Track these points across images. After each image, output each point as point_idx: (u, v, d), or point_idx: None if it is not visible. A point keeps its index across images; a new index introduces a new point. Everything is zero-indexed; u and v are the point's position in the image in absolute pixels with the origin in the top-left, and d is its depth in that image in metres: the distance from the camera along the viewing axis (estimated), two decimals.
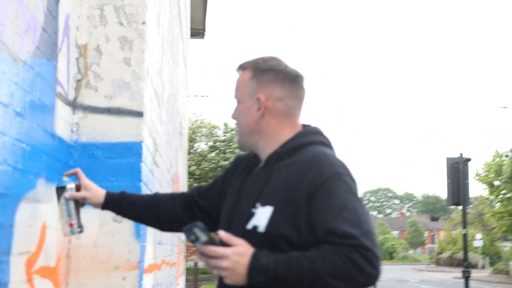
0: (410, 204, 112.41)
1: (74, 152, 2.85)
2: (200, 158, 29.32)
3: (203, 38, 12.41)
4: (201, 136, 30.72)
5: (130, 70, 2.94)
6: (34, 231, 2.30)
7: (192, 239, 1.75)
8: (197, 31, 11.48)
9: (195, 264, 24.48)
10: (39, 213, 2.35)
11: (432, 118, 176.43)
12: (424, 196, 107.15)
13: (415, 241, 76.03)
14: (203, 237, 1.74)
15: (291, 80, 1.98)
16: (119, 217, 2.81)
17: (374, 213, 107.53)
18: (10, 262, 2.03)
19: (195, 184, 28.78)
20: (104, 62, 2.94)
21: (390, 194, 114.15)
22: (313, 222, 1.77)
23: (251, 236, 1.81)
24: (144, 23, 2.99)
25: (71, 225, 2.24)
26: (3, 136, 1.96)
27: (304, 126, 2.05)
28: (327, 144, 2.01)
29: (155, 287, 3.83)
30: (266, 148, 1.97)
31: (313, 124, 2.09)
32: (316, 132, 2.02)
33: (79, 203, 2.27)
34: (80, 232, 2.28)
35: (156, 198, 2.31)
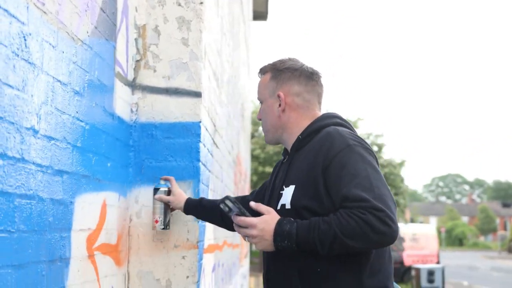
0: (480, 190, 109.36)
1: (133, 132, 2.89)
2: (265, 142, 29.38)
3: (265, 20, 12.34)
4: None
5: (188, 50, 2.95)
6: (95, 208, 2.34)
7: (226, 211, 1.96)
8: (260, 14, 11.42)
9: None
10: (99, 191, 2.39)
11: (503, 100, 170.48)
12: (496, 181, 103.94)
13: (486, 227, 73.94)
14: (234, 208, 1.94)
15: (307, 77, 2.17)
16: None
17: (443, 198, 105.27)
18: (71, 238, 2.08)
19: (260, 167, 28.98)
20: (162, 43, 2.95)
21: (459, 180, 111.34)
22: (330, 192, 1.93)
23: (281, 214, 1.98)
24: (201, 3, 2.98)
25: (156, 221, 2.66)
26: (62, 114, 1.99)
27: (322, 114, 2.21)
28: (343, 124, 2.14)
29: (216, 267, 3.86)
30: (290, 139, 2.17)
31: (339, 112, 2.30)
32: (332, 116, 2.18)
33: (169, 206, 2.68)
34: (163, 229, 2.69)
35: None
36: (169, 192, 2.69)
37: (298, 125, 2.15)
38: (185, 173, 2.87)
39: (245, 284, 8.51)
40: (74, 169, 2.11)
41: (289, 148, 2.18)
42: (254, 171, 28.04)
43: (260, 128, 30.36)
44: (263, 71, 2.24)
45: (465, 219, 77.88)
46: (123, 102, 2.77)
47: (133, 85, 2.92)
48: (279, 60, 2.22)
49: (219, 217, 2.56)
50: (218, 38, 3.82)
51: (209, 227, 3.40)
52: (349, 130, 2.09)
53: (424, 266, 14.48)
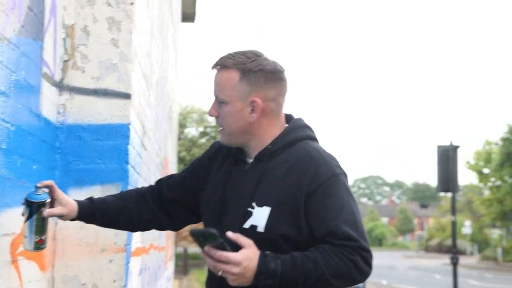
0: (400, 191, 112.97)
1: (60, 133, 2.82)
2: (191, 144, 29.24)
3: (193, 22, 12.29)
4: (192, 122, 30.63)
5: (117, 51, 2.91)
6: (19, 212, 2.27)
7: (200, 241, 1.75)
8: (188, 15, 11.37)
9: (185, 250, 24.51)
10: (24, 195, 2.32)
11: (423, 106, 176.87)
12: (414, 183, 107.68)
13: (405, 228, 76.46)
14: (212, 241, 1.74)
15: (280, 79, 1.97)
16: None
17: (364, 200, 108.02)
18: None
19: None
20: (92, 43, 2.90)
21: (380, 182, 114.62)
22: (311, 221, 1.84)
23: (249, 235, 1.83)
24: (132, 3, 2.95)
25: (40, 241, 1.98)
26: None
27: (287, 117, 2.05)
28: (315, 138, 2.04)
29: (143, 270, 3.83)
30: (257, 146, 1.97)
31: (296, 114, 2.09)
32: (303, 126, 2.03)
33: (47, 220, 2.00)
34: (43, 248, 2.03)
35: (127, 201, 2.16)
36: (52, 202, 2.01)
37: (268, 132, 1.96)
38: (114, 175, 2.84)
39: (170, 287, 8.45)
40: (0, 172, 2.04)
41: (252, 153, 1.98)
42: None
43: (186, 130, 30.19)
44: (224, 66, 1.94)
45: (385, 219, 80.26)
46: (50, 103, 2.70)
47: (61, 86, 2.86)
48: (245, 56, 1.94)
49: (124, 222, 2.18)
50: (148, 40, 3.79)
51: None
52: (322, 148, 1.99)
53: None
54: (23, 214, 1.96)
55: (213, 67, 1.98)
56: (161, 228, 2.24)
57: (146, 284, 4.21)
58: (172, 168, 8.11)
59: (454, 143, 14.15)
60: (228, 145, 2.01)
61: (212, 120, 30.06)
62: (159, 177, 5.27)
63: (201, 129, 30.41)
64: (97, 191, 2.80)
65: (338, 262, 1.78)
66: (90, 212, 2.11)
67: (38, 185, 1.98)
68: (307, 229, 1.84)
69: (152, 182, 4.45)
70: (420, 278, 23.31)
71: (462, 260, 36.36)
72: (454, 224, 14.15)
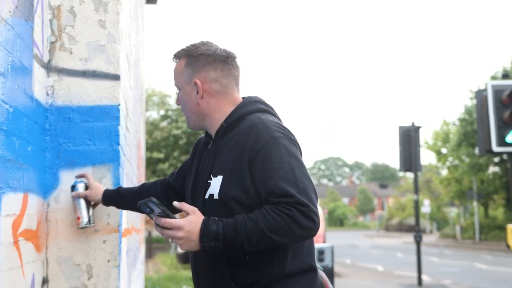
0: (359, 172, 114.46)
1: (50, 115, 2.82)
2: (152, 127, 29.03)
3: (155, 3, 12.19)
4: (153, 105, 30.36)
5: (105, 32, 2.91)
6: (18, 193, 2.28)
7: (148, 212, 1.91)
8: None
9: (149, 233, 24.46)
10: (22, 176, 2.33)
11: (381, 87, 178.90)
12: (373, 164, 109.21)
13: (365, 208, 77.65)
14: (157, 209, 1.90)
15: (222, 61, 2.16)
16: (97, 181, 2.81)
17: (324, 181, 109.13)
18: (0, 224, 2.02)
19: (148, 153, 28.42)
20: (79, 24, 2.89)
21: (340, 163, 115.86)
22: (256, 185, 1.96)
23: (209, 204, 2.02)
24: None
25: (78, 218, 2.65)
26: None
27: (244, 98, 2.21)
28: (267, 110, 2.17)
29: (128, 252, 3.85)
30: (213, 125, 2.16)
31: (254, 94, 2.26)
32: (254, 101, 2.19)
33: (89, 201, 2.68)
34: (87, 225, 2.67)
35: (143, 187, 2.60)
36: (87, 187, 2.69)
37: (219, 111, 2.15)
38: (105, 156, 2.85)
39: (142, 269, 8.46)
40: (1, 153, 2.05)
41: (212, 133, 2.17)
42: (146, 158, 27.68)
43: (147, 113, 29.82)
44: (177, 56, 2.20)
45: (345, 200, 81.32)
46: (40, 84, 2.69)
47: (48, 67, 2.85)
48: (192, 45, 2.18)
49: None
50: (128, 21, 3.78)
51: (124, 211, 3.38)
52: (273, 118, 2.12)
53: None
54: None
55: (172, 59, 2.23)
56: None
57: (130, 266, 4.23)
58: (143, 151, 8.09)
59: (416, 124, 14.46)
60: (192, 129, 2.23)
61: (173, 103, 29.91)
62: (135, 159, 5.28)
63: (162, 112, 30.19)
64: (88, 172, 2.81)
65: (276, 218, 1.86)
66: (113, 197, 2.64)
67: (76, 175, 2.75)
68: (254, 192, 1.96)
69: (134, 164, 4.46)
70: (383, 257, 23.79)
71: (423, 238, 37.13)
72: (416, 203, 14.48)
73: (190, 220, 1.91)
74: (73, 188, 2.68)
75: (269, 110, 2.18)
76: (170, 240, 1.96)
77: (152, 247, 25.22)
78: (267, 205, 1.90)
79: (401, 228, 52.74)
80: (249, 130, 2.02)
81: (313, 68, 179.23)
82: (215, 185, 2.03)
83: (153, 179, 27.81)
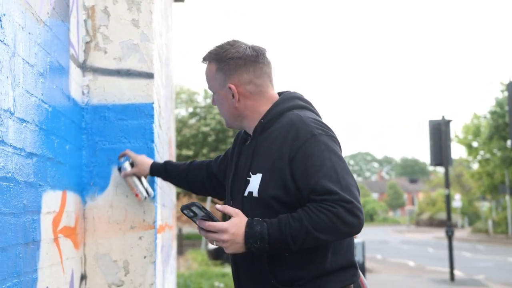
0: (389, 167, 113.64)
1: (86, 114, 2.87)
2: (181, 125, 29.21)
3: (183, 1, 12.26)
4: (181, 103, 30.53)
5: (138, 31, 2.94)
6: (58, 191, 2.33)
7: (191, 216, 1.90)
8: None
9: (179, 230, 24.63)
10: (61, 174, 2.38)
11: (410, 82, 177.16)
12: (403, 159, 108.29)
13: (395, 203, 77.09)
14: (200, 213, 1.90)
15: (253, 62, 2.12)
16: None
17: (354, 176, 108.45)
18: (41, 221, 2.07)
19: (177, 150, 28.73)
20: (112, 24, 2.93)
21: (369, 158, 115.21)
22: (298, 182, 1.94)
23: (248, 201, 2.02)
24: None
25: (136, 195, 2.77)
26: (31, 96, 1.97)
27: (280, 94, 2.19)
28: (305, 107, 2.14)
29: (162, 248, 3.89)
30: (251, 124, 2.14)
31: (292, 89, 2.24)
32: (293, 97, 2.16)
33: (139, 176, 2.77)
34: (146, 197, 2.81)
35: (190, 168, 2.61)
36: (132, 164, 2.76)
37: (256, 110, 2.13)
38: (140, 154, 2.88)
39: (175, 265, 8.54)
40: (41, 152, 2.09)
41: (250, 132, 2.16)
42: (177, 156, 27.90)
43: (176, 111, 30.06)
44: (206, 59, 2.17)
45: (375, 195, 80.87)
46: (76, 84, 2.74)
47: (84, 67, 2.89)
48: (220, 48, 2.14)
49: (185, 183, 2.62)
50: (160, 20, 3.82)
51: (159, 207, 3.42)
52: (312, 115, 2.09)
53: None
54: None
55: (202, 62, 2.21)
56: (210, 195, 2.58)
57: (164, 262, 4.28)
58: (174, 148, 8.16)
59: (446, 117, 14.29)
60: (232, 128, 2.24)
61: (201, 101, 30.04)
62: (167, 157, 5.33)
63: (190, 109, 30.35)
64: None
65: (321, 216, 1.85)
66: (160, 171, 2.69)
67: (119, 156, 2.82)
68: (294, 190, 1.94)
69: None
70: (414, 252, 23.60)
71: (454, 233, 36.74)
72: (448, 197, 14.34)
73: (234, 222, 1.91)
74: (120, 169, 2.77)
75: (307, 106, 2.15)
76: (214, 243, 1.96)
77: (183, 243, 25.41)
78: (310, 203, 1.89)
79: (432, 223, 52.22)
80: (288, 128, 2.00)
81: (344, 61, 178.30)
82: (254, 182, 2.02)
83: None
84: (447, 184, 14.36)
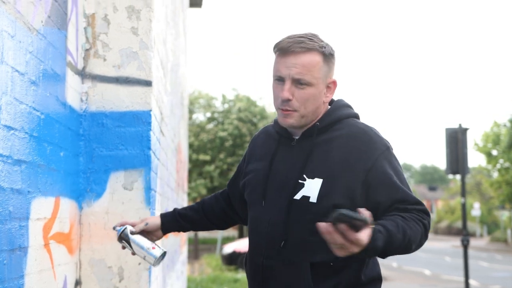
0: (408, 174, 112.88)
1: (83, 121, 2.89)
2: (199, 129, 29.30)
3: (200, 7, 12.32)
4: (199, 107, 30.65)
5: (137, 39, 2.97)
6: (50, 197, 2.35)
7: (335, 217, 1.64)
8: (195, 1, 11.39)
9: (195, 234, 24.69)
10: (54, 180, 2.40)
11: (430, 88, 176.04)
12: (422, 166, 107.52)
13: None
14: (353, 215, 1.65)
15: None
16: (129, 185, 2.88)
17: None
18: (29, 227, 2.09)
19: (194, 155, 28.68)
20: (112, 32, 2.96)
21: None
22: (375, 192, 1.91)
23: (300, 205, 1.93)
24: None
25: (153, 248, 2.17)
26: (20, 104, 1.99)
27: (333, 101, 2.14)
28: (358, 116, 2.14)
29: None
30: (306, 124, 2.02)
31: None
32: (346, 105, 2.13)
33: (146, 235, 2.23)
34: (163, 255, 2.20)
35: (204, 204, 2.36)
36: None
37: (321, 112, 2.05)
38: (136, 161, 2.90)
39: (184, 271, 8.57)
40: (31, 159, 2.12)
41: (297, 132, 2.04)
42: (189, 159, 27.99)
43: (194, 116, 30.09)
44: (306, 47, 1.95)
45: None
46: (74, 91, 2.77)
47: (83, 74, 2.92)
48: (320, 40, 2.00)
49: (206, 221, 2.35)
50: (163, 27, 3.84)
51: (158, 214, 3.44)
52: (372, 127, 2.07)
53: None
54: (123, 248, 2.23)
55: (293, 48, 1.96)
56: (236, 223, 2.39)
57: (166, 267, 4.29)
58: (185, 154, 8.19)
59: (463, 125, 14.17)
60: (291, 127, 2.02)
61: (219, 106, 30.11)
62: (174, 162, 5.35)
63: (208, 114, 30.45)
64: (121, 176, 2.88)
65: (417, 227, 1.87)
66: (173, 219, 2.30)
67: (114, 226, 2.25)
68: (361, 200, 1.90)
69: (169, 168, 4.52)
70: (430, 260, 23.40)
71: (472, 242, 36.38)
72: (464, 206, 14.18)
73: (368, 234, 1.70)
74: (125, 232, 2.21)
75: (359, 117, 2.13)
76: (335, 248, 1.72)
77: (199, 248, 25.45)
78: (404, 213, 1.87)
79: (450, 231, 51.72)
80: (362, 136, 1.97)
81: (362, 69, 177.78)
82: (312, 187, 1.93)
83: (199, 181, 28.10)
84: (463, 193, 14.19)
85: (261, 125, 27.95)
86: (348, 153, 1.94)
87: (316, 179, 1.94)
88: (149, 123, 2.93)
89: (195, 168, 28.82)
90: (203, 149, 28.86)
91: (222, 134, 28.36)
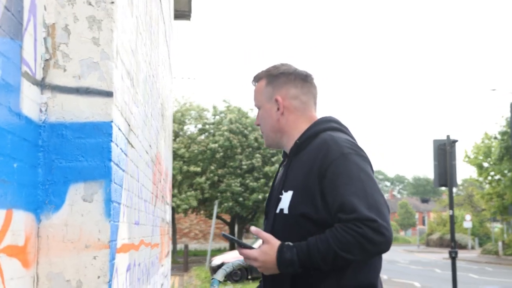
0: (400, 186, 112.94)
1: (43, 132, 2.85)
2: (190, 141, 29.23)
3: (189, 19, 12.31)
4: (190, 119, 30.60)
5: (98, 49, 2.93)
6: (0, 209, 2.30)
7: (233, 242, 2.06)
8: (183, 13, 11.40)
9: (186, 246, 24.57)
10: (5, 192, 2.35)
11: (422, 100, 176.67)
12: (415, 178, 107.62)
13: (406, 222, 76.44)
14: (239, 242, 2.11)
15: (302, 79, 2.24)
16: (89, 197, 2.83)
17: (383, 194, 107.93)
18: None
19: (185, 167, 28.72)
20: (73, 42, 2.93)
21: (381, 177, 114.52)
22: (328, 200, 2.00)
23: (279, 218, 2.11)
24: (112, 2, 2.97)
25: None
26: None
27: (319, 118, 2.26)
28: (339, 129, 2.20)
29: (131, 266, 3.85)
30: (289, 142, 2.23)
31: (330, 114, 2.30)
32: (328, 120, 2.23)
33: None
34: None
35: None
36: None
37: (296, 128, 2.21)
38: (96, 173, 2.86)
39: (166, 284, 8.48)
40: None
41: (288, 151, 2.24)
42: (179, 171, 27.91)
43: (185, 127, 30.15)
44: (257, 78, 2.28)
45: None
46: (31, 102, 2.72)
47: (42, 85, 2.88)
48: (272, 66, 2.28)
49: None
50: (132, 38, 3.81)
51: (123, 226, 3.39)
52: (345, 136, 2.15)
53: None
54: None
55: (252, 83, 2.32)
56: None
57: (136, 280, 4.24)
58: (166, 165, 8.14)
59: (453, 137, 14.11)
60: (270, 147, 2.32)
61: (210, 117, 30.11)
62: (149, 174, 5.30)
63: (199, 125, 30.39)
64: (80, 188, 2.83)
65: (347, 237, 1.90)
66: None
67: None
68: (323, 209, 2.00)
69: (141, 179, 4.47)
70: (421, 273, 23.34)
71: (463, 254, 36.37)
72: (452, 218, 14.16)
73: (263, 251, 2.03)
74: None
75: (341, 129, 2.21)
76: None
77: (189, 260, 25.32)
78: (337, 224, 1.94)
79: (442, 243, 51.70)
80: (319, 147, 2.07)
81: (353, 82, 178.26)
82: (286, 199, 2.09)
83: (190, 193, 27.98)
84: (451, 206, 14.20)
85: (252, 137, 27.93)
86: (310, 164, 2.05)
87: (289, 191, 2.09)
88: (110, 134, 2.89)
89: (186, 179, 28.74)
90: (194, 160, 28.78)
91: (212, 145, 28.32)
